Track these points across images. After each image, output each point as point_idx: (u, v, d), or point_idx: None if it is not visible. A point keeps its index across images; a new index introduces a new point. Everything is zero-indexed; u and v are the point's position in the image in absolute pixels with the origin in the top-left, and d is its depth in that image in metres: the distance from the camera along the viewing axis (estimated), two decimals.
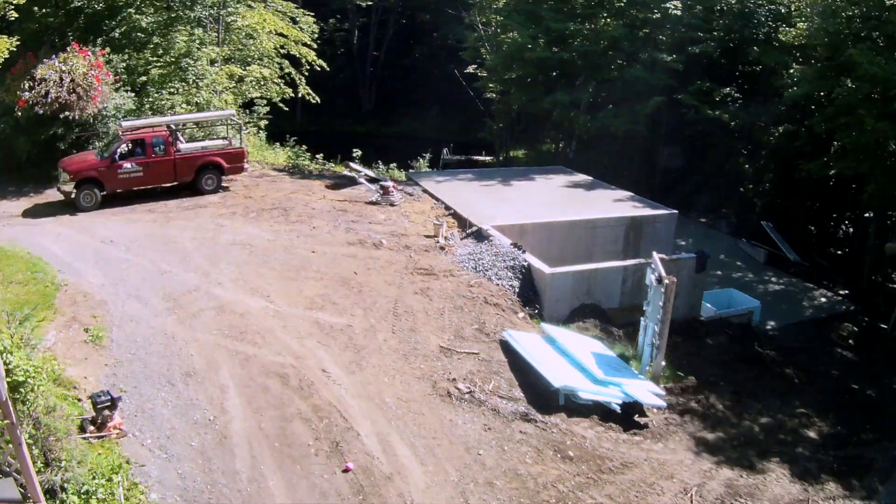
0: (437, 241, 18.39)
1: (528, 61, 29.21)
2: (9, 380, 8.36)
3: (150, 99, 22.56)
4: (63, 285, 14.37)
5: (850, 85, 22.18)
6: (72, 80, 19.66)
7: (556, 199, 22.16)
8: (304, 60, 28.92)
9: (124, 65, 22.17)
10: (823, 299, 22.92)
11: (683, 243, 24.33)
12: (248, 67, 27.10)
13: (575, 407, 13.54)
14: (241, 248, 16.89)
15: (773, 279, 24.09)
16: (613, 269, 17.89)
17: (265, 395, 12.06)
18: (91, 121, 20.41)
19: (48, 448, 9.00)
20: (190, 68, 23.33)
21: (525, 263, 17.30)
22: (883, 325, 21.32)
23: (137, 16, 23.24)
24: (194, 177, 20.39)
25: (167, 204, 19.65)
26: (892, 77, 20.48)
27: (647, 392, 14.14)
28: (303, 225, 18.68)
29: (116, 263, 15.66)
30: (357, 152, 26.44)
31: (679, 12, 29.12)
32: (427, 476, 11.11)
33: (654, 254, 15.25)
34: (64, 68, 19.78)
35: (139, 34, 23.32)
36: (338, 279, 15.90)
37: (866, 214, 26.36)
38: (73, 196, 18.75)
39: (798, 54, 27.61)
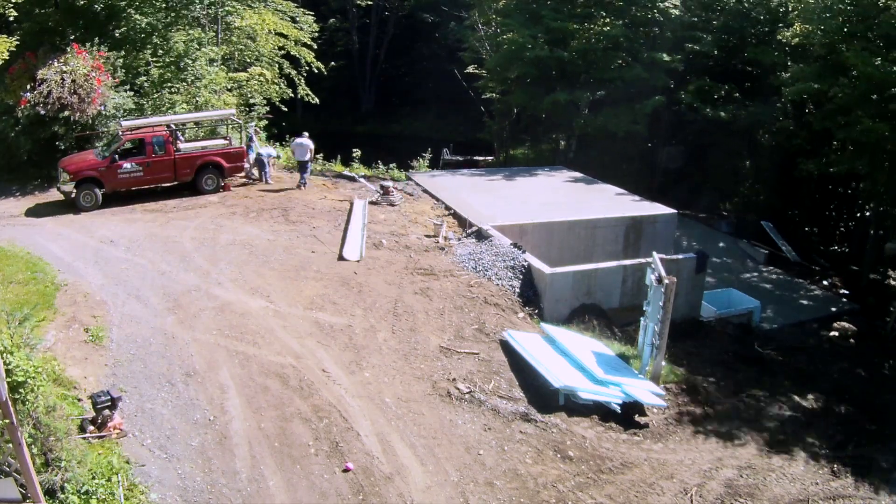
0: (437, 241, 18.38)
1: (528, 61, 29.23)
2: (9, 380, 8.36)
3: (150, 99, 22.56)
4: (63, 285, 14.38)
5: (846, 84, 22.17)
6: (73, 81, 19.68)
7: (556, 198, 22.17)
8: (303, 61, 28.96)
9: (121, 62, 22.16)
10: (823, 298, 22.93)
11: (684, 243, 24.34)
12: (248, 69, 27.11)
13: (575, 407, 13.54)
14: (240, 248, 16.89)
15: (773, 279, 24.10)
16: (613, 269, 17.88)
17: (265, 395, 12.06)
18: (91, 121, 20.43)
19: (48, 448, 8.99)
20: (188, 68, 23.33)
21: (525, 263, 17.30)
22: (880, 323, 21.34)
23: (137, 16, 23.26)
24: (194, 176, 20.40)
25: (167, 204, 19.66)
26: (888, 78, 20.45)
27: (647, 392, 14.13)
28: (303, 225, 18.68)
29: (116, 263, 15.67)
30: (357, 152, 26.47)
31: (678, 10, 29.17)
32: (427, 476, 11.11)
33: (654, 254, 15.24)
34: (65, 69, 19.80)
35: (139, 34, 23.32)
36: (338, 279, 15.90)
37: (866, 207, 26.36)
38: (73, 196, 18.76)
39: (795, 53, 27.61)
